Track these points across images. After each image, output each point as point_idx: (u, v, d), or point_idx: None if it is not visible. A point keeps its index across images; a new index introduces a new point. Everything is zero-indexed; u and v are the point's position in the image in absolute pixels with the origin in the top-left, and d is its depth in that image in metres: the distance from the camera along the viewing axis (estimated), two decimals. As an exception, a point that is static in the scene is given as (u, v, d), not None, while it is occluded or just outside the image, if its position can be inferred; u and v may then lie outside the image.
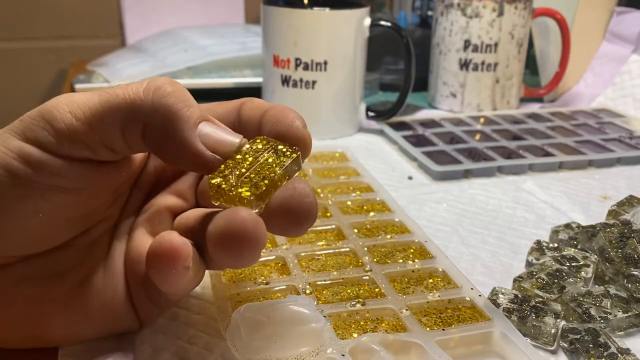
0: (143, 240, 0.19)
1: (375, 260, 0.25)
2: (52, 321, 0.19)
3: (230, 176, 0.17)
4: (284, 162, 0.18)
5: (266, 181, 0.17)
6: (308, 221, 0.17)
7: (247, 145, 0.18)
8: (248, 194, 0.17)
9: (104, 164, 0.18)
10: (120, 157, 0.18)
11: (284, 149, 0.18)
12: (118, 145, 0.17)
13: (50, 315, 0.19)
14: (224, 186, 0.17)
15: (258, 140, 0.18)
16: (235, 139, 0.18)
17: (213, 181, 0.17)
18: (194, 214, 0.19)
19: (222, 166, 0.17)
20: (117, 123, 0.17)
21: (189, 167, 0.19)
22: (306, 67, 0.41)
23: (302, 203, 0.17)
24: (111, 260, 0.20)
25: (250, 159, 0.18)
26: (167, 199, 0.20)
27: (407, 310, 0.22)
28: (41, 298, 0.18)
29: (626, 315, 0.23)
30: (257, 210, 0.17)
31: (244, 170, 0.17)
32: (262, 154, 0.18)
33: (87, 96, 0.17)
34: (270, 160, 0.18)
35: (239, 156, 0.18)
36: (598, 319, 0.22)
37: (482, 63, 0.48)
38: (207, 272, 0.25)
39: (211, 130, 0.17)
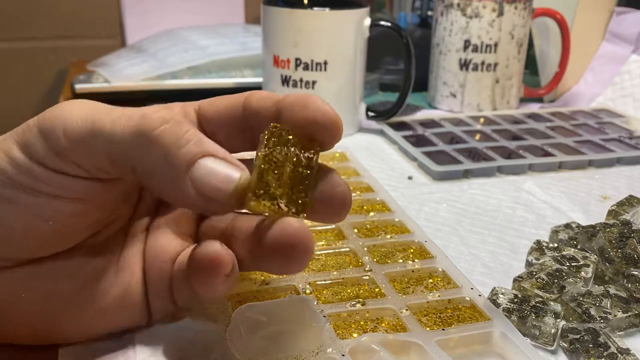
0: (168, 240, 0.20)
1: (375, 260, 0.25)
2: (61, 318, 0.19)
3: (265, 201, 0.16)
4: (313, 163, 0.17)
5: (306, 196, 0.17)
6: (345, 208, 0.18)
7: (263, 150, 0.17)
8: (294, 210, 0.17)
9: (105, 179, 0.17)
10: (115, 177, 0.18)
11: (303, 144, 0.17)
12: (110, 172, 0.17)
13: (59, 312, 0.19)
14: (266, 212, 0.16)
15: (273, 139, 0.17)
16: (234, 173, 0.16)
17: (252, 204, 0.16)
18: (225, 218, 0.20)
19: (253, 182, 0.16)
20: (104, 154, 0.16)
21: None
22: (306, 67, 0.41)
23: (337, 193, 0.17)
24: (124, 257, 0.20)
25: (278, 169, 0.17)
26: None
27: (407, 310, 0.22)
28: (50, 296, 0.18)
29: (626, 315, 0.23)
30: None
31: (278, 189, 0.16)
32: (286, 157, 0.17)
33: (85, 115, 0.16)
34: (300, 168, 0.17)
35: (263, 165, 0.17)
36: (598, 318, 0.22)
37: (482, 63, 0.48)
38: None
39: (208, 170, 0.16)
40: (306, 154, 0.17)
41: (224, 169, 0.16)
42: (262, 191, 0.16)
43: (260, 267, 0.19)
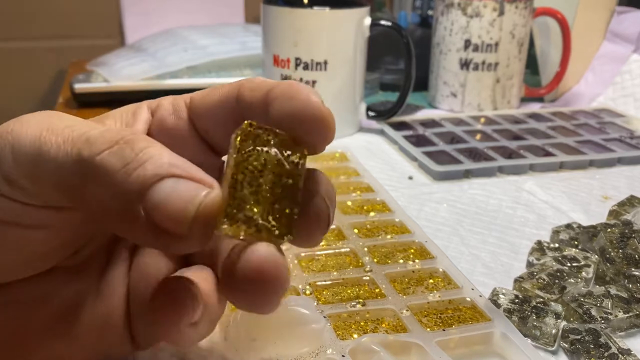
0: (154, 261, 0.17)
1: (375, 260, 0.25)
2: (34, 348, 0.17)
3: (240, 223, 0.13)
4: (299, 170, 0.14)
5: (292, 213, 0.13)
6: (322, 232, 0.15)
7: (235, 155, 0.13)
8: (277, 233, 0.13)
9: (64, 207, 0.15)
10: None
11: (287, 147, 0.14)
12: (62, 202, 0.14)
13: (32, 342, 0.16)
14: (241, 236, 0.13)
15: (249, 141, 0.13)
16: (197, 191, 0.13)
17: (224, 229, 0.13)
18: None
19: (223, 199, 0.13)
20: (49, 184, 0.13)
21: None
22: (306, 67, 0.41)
23: (316, 213, 0.14)
24: (106, 280, 0.17)
25: (255, 180, 0.13)
26: None
27: (407, 310, 0.22)
28: (21, 324, 0.16)
29: (627, 315, 0.22)
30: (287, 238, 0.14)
31: (256, 206, 0.13)
32: (265, 164, 0.13)
33: (35, 135, 0.13)
34: (283, 176, 0.13)
35: (236, 176, 0.13)
36: (599, 319, 0.22)
37: (483, 63, 0.48)
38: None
39: (165, 195, 0.12)
40: (291, 159, 0.14)
41: (184, 189, 0.13)
42: (235, 210, 0.13)
43: (230, 301, 0.16)
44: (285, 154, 0.14)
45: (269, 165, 0.14)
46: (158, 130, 0.17)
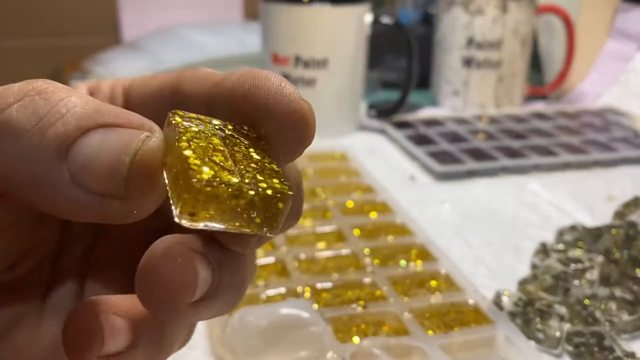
0: (109, 287, 0.14)
1: (376, 262, 0.25)
2: None
3: (207, 160, 0.09)
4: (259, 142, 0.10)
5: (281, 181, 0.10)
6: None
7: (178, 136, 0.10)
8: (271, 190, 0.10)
9: None
10: None
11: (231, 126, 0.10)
12: None
13: None
14: (220, 188, 0.09)
15: (180, 120, 0.10)
16: (133, 135, 0.10)
17: (195, 183, 0.09)
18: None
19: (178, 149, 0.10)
20: None
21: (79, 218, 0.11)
22: (306, 65, 0.41)
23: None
24: (51, 302, 0.14)
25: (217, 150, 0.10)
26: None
27: (409, 313, 0.21)
28: None
29: (632, 317, 0.22)
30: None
31: (227, 162, 0.10)
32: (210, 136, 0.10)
33: None
34: (252, 147, 0.10)
35: (187, 144, 0.10)
36: (603, 321, 0.22)
37: (486, 61, 0.47)
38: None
39: (94, 149, 0.10)
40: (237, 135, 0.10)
41: (117, 138, 0.10)
42: (198, 160, 0.09)
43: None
44: (238, 136, 0.10)
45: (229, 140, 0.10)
46: None
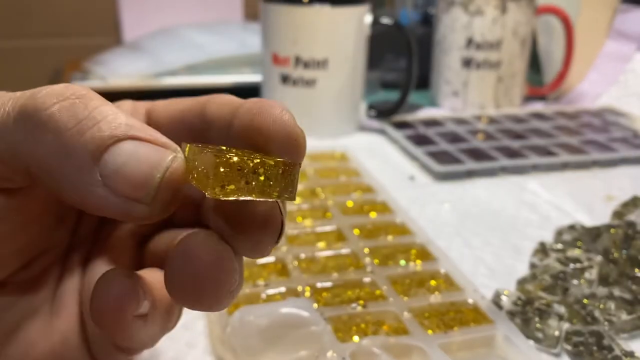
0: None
1: (376, 261, 0.25)
2: None
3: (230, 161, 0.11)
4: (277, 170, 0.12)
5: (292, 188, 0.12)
6: (270, 234, 0.13)
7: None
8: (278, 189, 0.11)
9: (9, 191, 0.13)
10: (22, 185, 0.13)
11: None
12: (6, 176, 0.12)
13: None
14: (237, 189, 0.11)
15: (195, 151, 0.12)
16: (163, 155, 0.12)
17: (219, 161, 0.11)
18: (164, 239, 0.16)
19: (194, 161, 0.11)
20: None
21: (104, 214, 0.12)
22: (306, 65, 0.41)
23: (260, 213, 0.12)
24: (60, 298, 0.15)
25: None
26: (129, 223, 0.16)
27: (408, 312, 0.22)
28: None
29: (630, 317, 0.22)
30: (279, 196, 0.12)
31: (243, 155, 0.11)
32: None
33: None
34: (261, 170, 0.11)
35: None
36: (602, 321, 0.22)
37: (485, 61, 0.47)
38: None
39: (125, 158, 0.11)
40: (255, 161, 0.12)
41: (148, 152, 0.11)
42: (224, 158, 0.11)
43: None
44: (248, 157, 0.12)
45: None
46: None
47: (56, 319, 0.15)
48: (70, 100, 0.11)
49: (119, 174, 0.11)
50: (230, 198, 0.11)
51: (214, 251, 0.12)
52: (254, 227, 0.13)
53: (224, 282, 0.12)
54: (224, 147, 0.13)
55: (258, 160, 0.11)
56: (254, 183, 0.11)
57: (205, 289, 0.12)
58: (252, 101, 0.14)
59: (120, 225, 0.16)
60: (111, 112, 0.12)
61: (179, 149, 0.12)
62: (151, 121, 0.16)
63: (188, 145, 0.12)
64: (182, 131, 0.15)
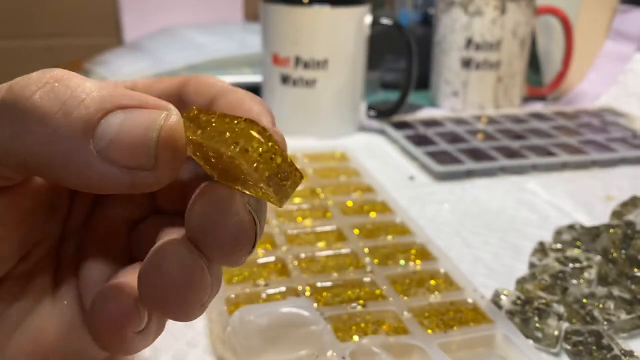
0: (98, 268, 0.15)
1: (376, 261, 0.25)
2: None
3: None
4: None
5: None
6: (239, 248, 0.12)
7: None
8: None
9: (3, 189, 0.13)
10: (18, 180, 0.13)
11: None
12: (4, 174, 0.12)
13: None
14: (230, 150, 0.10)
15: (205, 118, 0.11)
16: (155, 115, 0.11)
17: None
18: (153, 225, 0.15)
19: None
20: None
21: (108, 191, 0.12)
22: (306, 66, 0.41)
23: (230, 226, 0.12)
24: (59, 286, 0.15)
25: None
26: (118, 208, 0.16)
27: (408, 312, 0.22)
28: None
29: (630, 316, 0.22)
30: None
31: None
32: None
33: None
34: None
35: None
36: (601, 320, 0.22)
37: (485, 61, 0.47)
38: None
39: (116, 128, 0.11)
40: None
41: (138, 116, 0.11)
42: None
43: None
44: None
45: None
46: None
47: (59, 305, 0.15)
48: (50, 84, 0.11)
49: (113, 143, 0.11)
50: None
51: (184, 267, 0.12)
52: (226, 240, 0.12)
53: (192, 299, 0.12)
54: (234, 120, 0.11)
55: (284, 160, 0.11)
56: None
57: (172, 303, 0.12)
58: (233, 94, 0.13)
59: (111, 211, 0.16)
60: (94, 87, 0.11)
61: (171, 106, 0.12)
62: None
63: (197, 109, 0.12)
64: None
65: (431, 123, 0.45)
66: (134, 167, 0.11)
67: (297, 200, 0.30)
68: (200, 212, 0.12)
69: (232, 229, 0.12)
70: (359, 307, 0.22)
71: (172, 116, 0.12)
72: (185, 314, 0.12)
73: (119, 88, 0.12)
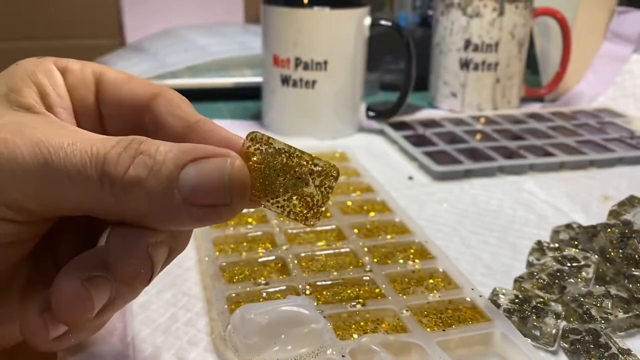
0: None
1: (375, 260, 0.25)
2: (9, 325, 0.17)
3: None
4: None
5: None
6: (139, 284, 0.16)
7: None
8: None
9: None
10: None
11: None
12: (56, 213, 0.15)
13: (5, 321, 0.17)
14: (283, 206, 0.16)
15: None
16: (221, 163, 0.15)
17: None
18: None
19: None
20: (65, 203, 0.15)
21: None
22: (306, 67, 0.41)
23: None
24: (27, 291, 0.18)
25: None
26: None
27: (407, 310, 0.22)
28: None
29: (627, 315, 0.22)
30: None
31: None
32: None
33: (35, 144, 0.14)
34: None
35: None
36: (599, 319, 0.22)
37: (483, 63, 0.48)
38: (206, 272, 0.25)
39: (196, 176, 0.14)
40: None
41: (207, 167, 0.14)
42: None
43: None
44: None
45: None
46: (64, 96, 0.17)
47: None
48: (139, 158, 0.14)
49: (196, 190, 0.14)
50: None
51: (74, 289, 0.15)
52: (124, 279, 0.15)
53: (79, 316, 0.15)
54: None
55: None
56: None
57: (64, 316, 0.15)
58: (204, 127, 0.16)
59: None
60: (164, 148, 0.15)
61: (231, 152, 0.15)
62: (102, 95, 0.18)
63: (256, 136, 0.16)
64: (133, 121, 0.17)
65: (430, 124, 0.45)
66: (216, 205, 0.14)
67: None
68: (112, 241, 0.15)
69: (131, 270, 0.15)
70: (359, 306, 0.22)
71: (236, 161, 0.15)
72: (76, 326, 0.16)
73: (185, 145, 0.15)
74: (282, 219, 0.29)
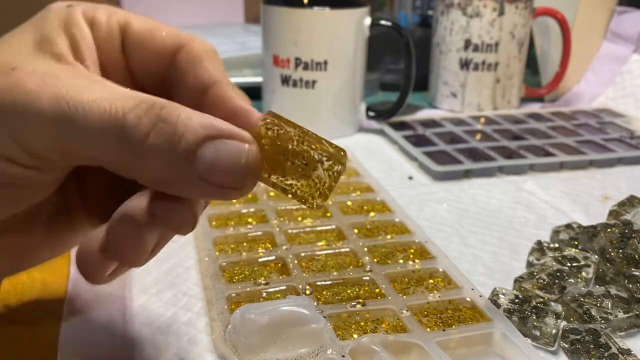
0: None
1: (375, 260, 0.25)
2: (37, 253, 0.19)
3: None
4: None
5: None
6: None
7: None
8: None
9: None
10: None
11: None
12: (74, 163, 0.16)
13: (33, 251, 0.19)
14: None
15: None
16: (243, 149, 0.15)
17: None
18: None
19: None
20: (84, 156, 0.15)
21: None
22: (306, 67, 0.41)
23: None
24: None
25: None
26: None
27: (407, 310, 0.22)
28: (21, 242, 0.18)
29: (627, 315, 0.22)
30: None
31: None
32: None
33: (55, 94, 0.14)
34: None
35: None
36: (599, 319, 0.22)
37: (483, 63, 0.48)
38: (206, 272, 0.25)
39: (213, 155, 0.14)
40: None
41: (227, 149, 0.15)
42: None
43: None
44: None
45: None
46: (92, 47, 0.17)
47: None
48: (159, 126, 0.14)
49: (213, 168, 0.14)
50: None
51: (132, 236, 0.16)
52: (173, 227, 0.16)
53: (135, 258, 0.16)
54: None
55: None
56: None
57: (122, 258, 0.16)
58: (220, 88, 0.17)
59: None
60: (187, 118, 0.14)
61: (249, 136, 0.15)
62: (128, 49, 0.18)
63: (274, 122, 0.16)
64: (160, 74, 0.18)
65: (430, 124, 0.45)
66: (227, 186, 0.15)
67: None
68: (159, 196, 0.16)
69: (179, 220, 0.16)
70: (359, 306, 0.22)
71: (253, 148, 0.15)
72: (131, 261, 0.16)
73: (208, 117, 0.15)
74: (282, 218, 0.29)
